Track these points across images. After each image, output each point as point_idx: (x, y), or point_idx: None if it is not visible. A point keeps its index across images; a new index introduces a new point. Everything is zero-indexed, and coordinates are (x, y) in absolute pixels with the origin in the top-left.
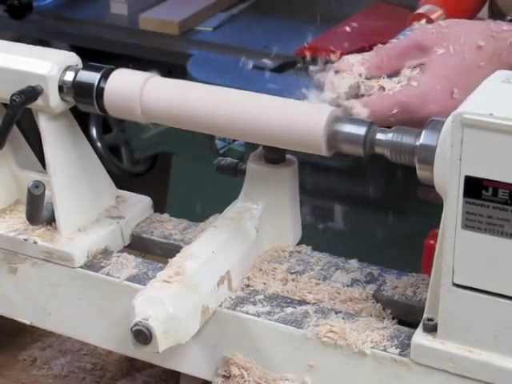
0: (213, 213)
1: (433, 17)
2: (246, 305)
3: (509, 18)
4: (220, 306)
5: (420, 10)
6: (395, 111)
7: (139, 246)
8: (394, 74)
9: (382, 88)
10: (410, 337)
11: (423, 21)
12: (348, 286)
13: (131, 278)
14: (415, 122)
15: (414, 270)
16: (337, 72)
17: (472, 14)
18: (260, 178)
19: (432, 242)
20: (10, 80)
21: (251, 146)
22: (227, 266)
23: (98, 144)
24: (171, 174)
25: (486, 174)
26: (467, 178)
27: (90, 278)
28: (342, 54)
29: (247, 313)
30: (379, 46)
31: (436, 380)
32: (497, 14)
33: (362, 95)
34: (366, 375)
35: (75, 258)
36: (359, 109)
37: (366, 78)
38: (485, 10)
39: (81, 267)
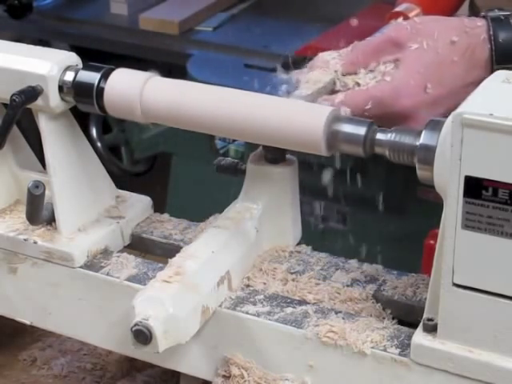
0: (213, 213)
1: (410, 15)
2: (246, 305)
3: (482, 14)
4: (220, 306)
5: (398, 9)
6: (369, 106)
7: (139, 246)
8: (369, 69)
9: (357, 84)
10: (409, 337)
11: (400, 19)
12: (348, 285)
13: (131, 278)
14: (389, 116)
15: (413, 270)
16: (313, 69)
17: (449, 13)
18: (260, 177)
19: (432, 242)
20: (10, 80)
21: (251, 146)
22: (227, 265)
23: (98, 144)
24: (171, 173)
25: (486, 173)
26: (467, 178)
27: (89, 278)
28: None
29: (247, 313)
30: (355, 42)
31: (436, 380)
32: (477, 14)
33: (338, 91)
34: (365, 375)
35: (75, 258)
36: (334, 104)
37: (343, 75)
38: (465, 10)
39: (81, 267)
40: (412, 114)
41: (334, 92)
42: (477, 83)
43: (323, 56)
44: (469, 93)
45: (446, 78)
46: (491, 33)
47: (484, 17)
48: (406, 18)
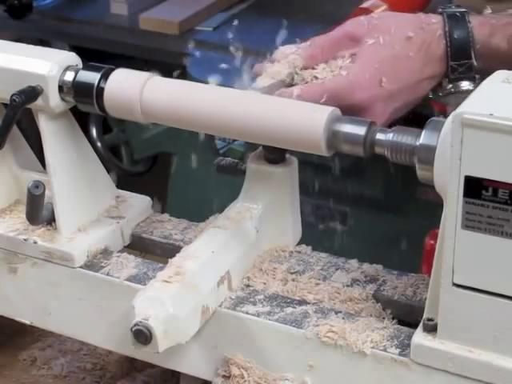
0: (213, 213)
1: (376, 11)
2: (246, 305)
3: (439, 10)
4: (220, 306)
5: (364, 5)
6: (325, 99)
7: (139, 246)
8: (327, 64)
9: (315, 78)
10: (409, 337)
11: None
12: (348, 285)
13: (131, 278)
14: (345, 109)
15: (413, 270)
16: (273, 62)
17: (416, 11)
18: (260, 178)
19: (432, 242)
20: (10, 80)
21: (251, 146)
22: (227, 265)
23: (98, 144)
24: (171, 174)
25: (486, 173)
26: (467, 178)
27: (89, 277)
28: None
29: (247, 313)
30: (314, 37)
31: (436, 380)
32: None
33: (296, 85)
34: (366, 375)
35: (75, 257)
36: (291, 97)
37: (301, 69)
38: None
39: (81, 267)
40: (367, 107)
41: (292, 86)
42: (432, 78)
43: (283, 49)
44: (424, 88)
45: (401, 73)
46: (447, 29)
47: (441, 13)
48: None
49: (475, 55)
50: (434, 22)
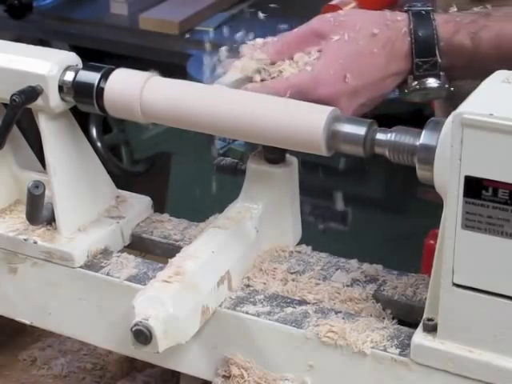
0: (213, 213)
1: (345, 8)
2: (246, 305)
3: (405, 8)
4: (220, 306)
5: (333, 2)
6: (289, 94)
7: (139, 246)
8: (294, 60)
9: (281, 73)
10: (409, 337)
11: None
12: (348, 285)
13: (131, 278)
14: None
15: (413, 270)
16: (241, 57)
17: (385, 9)
18: (260, 177)
19: (432, 242)
20: (10, 80)
21: (251, 146)
22: (227, 265)
23: (98, 144)
24: (171, 173)
25: (486, 173)
26: (467, 178)
27: (89, 277)
28: None
29: (247, 313)
30: (283, 33)
31: (436, 380)
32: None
33: (263, 80)
34: (366, 375)
35: (75, 257)
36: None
37: (269, 64)
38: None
39: (81, 267)
40: (332, 102)
41: (262, 81)
42: (397, 75)
43: (250, 45)
44: (389, 84)
45: (365, 69)
46: (411, 27)
47: (406, 11)
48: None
49: (439, 52)
50: (399, 20)
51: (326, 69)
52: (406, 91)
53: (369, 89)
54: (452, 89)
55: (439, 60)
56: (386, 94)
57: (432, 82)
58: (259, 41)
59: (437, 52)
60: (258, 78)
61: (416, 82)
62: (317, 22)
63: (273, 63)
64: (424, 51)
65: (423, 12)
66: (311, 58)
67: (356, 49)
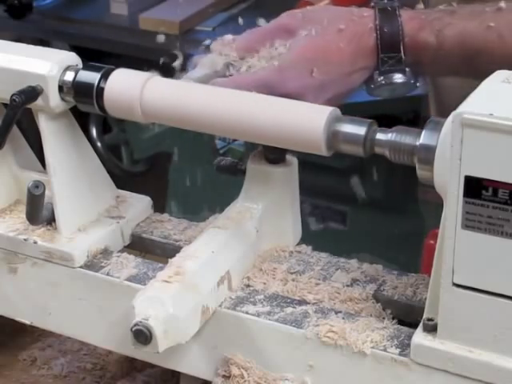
0: (213, 213)
1: (319, 4)
2: (246, 305)
3: (372, 4)
4: (220, 305)
5: None
6: (255, 89)
7: (139, 246)
8: (261, 54)
9: (249, 68)
10: (409, 337)
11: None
12: (348, 285)
13: (131, 278)
14: None
15: (413, 270)
16: (210, 52)
17: (359, 5)
18: (260, 177)
19: (432, 241)
20: (10, 80)
21: (251, 146)
22: (227, 265)
23: (98, 144)
24: (171, 173)
25: (486, 173)
26: (467, 178)
27: (89, 277)
28: None
29: (247, 313)
30: (251, 29)
31: (436, 380)
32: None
33: (231, 75)
34: (365, 375)
35: (75, 257)
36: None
37: (237, 59)
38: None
39: (81, 267)
40: (299, 97)
41: (228, 76)
42: (364, 70)
43: (220, 40)
44: (356, 79)
45: (332, 64)
46: (377, 22)
47: (373, 7)
48: None
49: (404, 48)
50: (365, 16)
51: (293, 63)
52: (373, 86)
53: (335, 84)
54: (418, 84)
55: (403, 56)
56: (353, 90)
57: (398, 78)
58: (228, 37)
59: (401, 48)
60: (226, 72)
61: (382, 78)
62: (285, 18)
63: (242, 59)
64: (389, 47)
65: (389, 8)
66: (279, 53)
67: (323, 44)
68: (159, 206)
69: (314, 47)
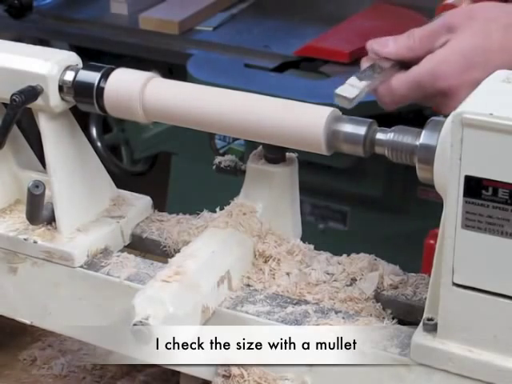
0: (213, 213)
1: (462, 6)
2: (246, 304)
3: None
4: (220, 305)
5: (448, 1)
6: (408, 90)
7: (139, 245)
8: (425, 54)
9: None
10: (409, 337)
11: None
12: (348, 285)
13: (131, 278)
14: (431, 97)
15: (414, 270)
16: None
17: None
18: (260, 177)
19: (432, 241)
20: (9, 80)
21: (251, 146)
22: (227, 265)
23: (98, 144)
24: (171, 173)
25: (486, 173)
26: (467, 178)
27: (90, 277)
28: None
29: (247, 312)
30: (413, 29)
31: (436, 380)
32: None
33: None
34: (365, 375)
35: (75, 257)
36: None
37: (399, 60)
38: None
39: (81, 267)
40: (452, 94)
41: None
42: None
43: (378, 46)
44: None
45: (491, 63)
46: None
47: None
48: None
49: None
50: None
51: (447, 60)
52: None
53: None
54: None
55: None
56: None
57: None
58: (389, 39)
59: None
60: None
61: None
62: (449, 16)
63: (403, 59)
64: None
65: None
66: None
67: (485, 42)
68: (159, 206)
69: (474, 45)
